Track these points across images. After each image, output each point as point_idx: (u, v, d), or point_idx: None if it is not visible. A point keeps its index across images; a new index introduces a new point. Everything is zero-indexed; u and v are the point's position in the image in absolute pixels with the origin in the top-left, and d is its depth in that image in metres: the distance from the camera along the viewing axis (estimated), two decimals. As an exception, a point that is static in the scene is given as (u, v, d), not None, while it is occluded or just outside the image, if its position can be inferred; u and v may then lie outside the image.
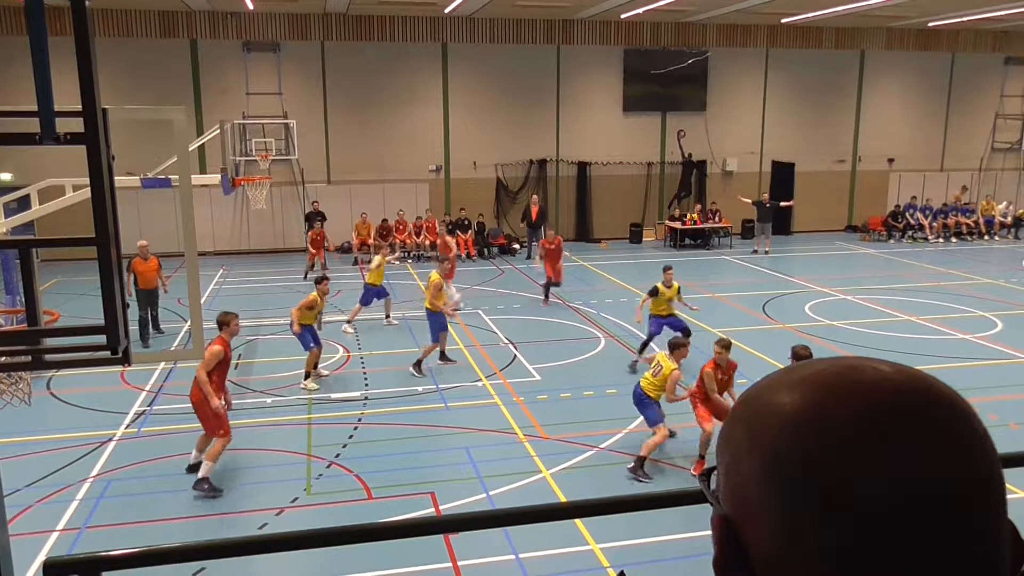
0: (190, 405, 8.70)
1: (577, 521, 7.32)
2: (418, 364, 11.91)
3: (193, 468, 8.60)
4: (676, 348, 8.95)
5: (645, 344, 12.25)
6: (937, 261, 21.41)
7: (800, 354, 8.21)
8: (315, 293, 11.90)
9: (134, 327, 13.38)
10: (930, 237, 24.93)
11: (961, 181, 27.02)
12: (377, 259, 14.72)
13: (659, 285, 12.18)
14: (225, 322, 8.90)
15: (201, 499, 8.13)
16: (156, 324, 14.21)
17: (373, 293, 14.58)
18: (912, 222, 25.14)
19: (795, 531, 0.67)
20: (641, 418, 9.17)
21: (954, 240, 24.94)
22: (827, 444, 0.67)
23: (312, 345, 11.49)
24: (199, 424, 8.63)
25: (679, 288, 12.38)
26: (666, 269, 12.45)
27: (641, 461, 8.55)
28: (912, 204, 25.45)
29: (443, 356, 12.36)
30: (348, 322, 14.52)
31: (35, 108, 3.01)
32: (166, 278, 14.30)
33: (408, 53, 22.69)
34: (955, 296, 17.02)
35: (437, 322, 12.06)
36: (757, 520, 0.70)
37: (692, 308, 12.62)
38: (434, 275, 12.33)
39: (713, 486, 0.78)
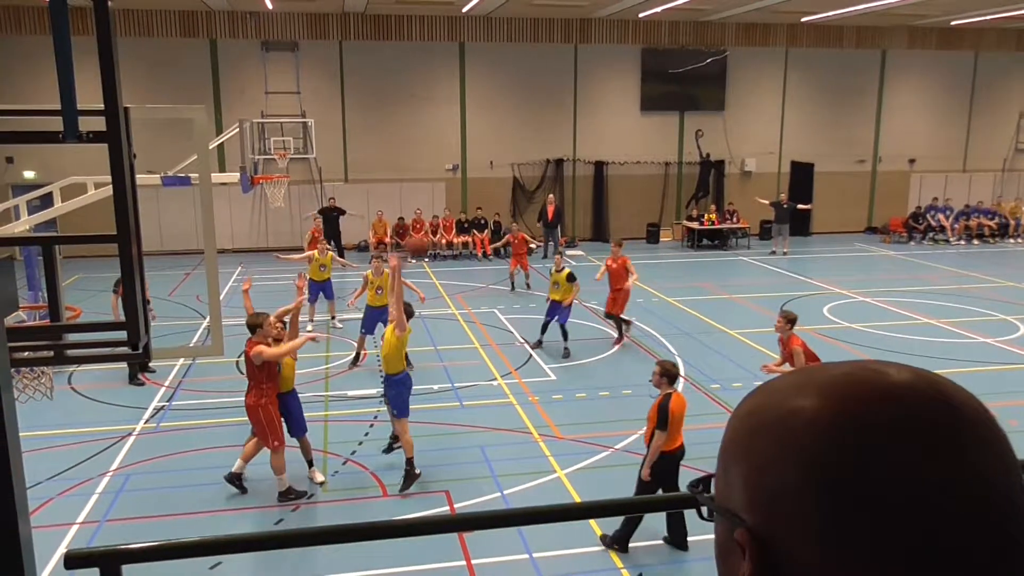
0: (243, 408, 8.18)
1: (591, 521, 7.32)
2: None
3: (236, 477, 8.14)
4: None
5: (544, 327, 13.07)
6: (958, 263, 21.18)
7: (669, 371, 7.26)
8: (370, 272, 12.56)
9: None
10: (951, 239, 24.66)
11: (984, 182, 26.71)
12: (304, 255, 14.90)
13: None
14: (259, 324, 8.18)
15: (288, 509, 7.80)
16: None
17: (318, 288, 14.33)
18: (933, 223, 24.88)
19: (843, 536, 0.67)
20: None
21: (976, 242, 24.66)
22: (870, 447, 0.68)
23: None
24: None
25: (569, 274, 12.79)
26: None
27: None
28: (933, 205, 25.18)
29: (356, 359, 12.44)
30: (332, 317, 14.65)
31: (56, 106, 3.05)
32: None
33: (425, 52, 22.75)
34: (976, 299, 16.83)
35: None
36: (796, 529, 0.69)
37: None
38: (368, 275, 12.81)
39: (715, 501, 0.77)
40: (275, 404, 8.13)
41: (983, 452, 0.69)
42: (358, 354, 12.45)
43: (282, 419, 8.22)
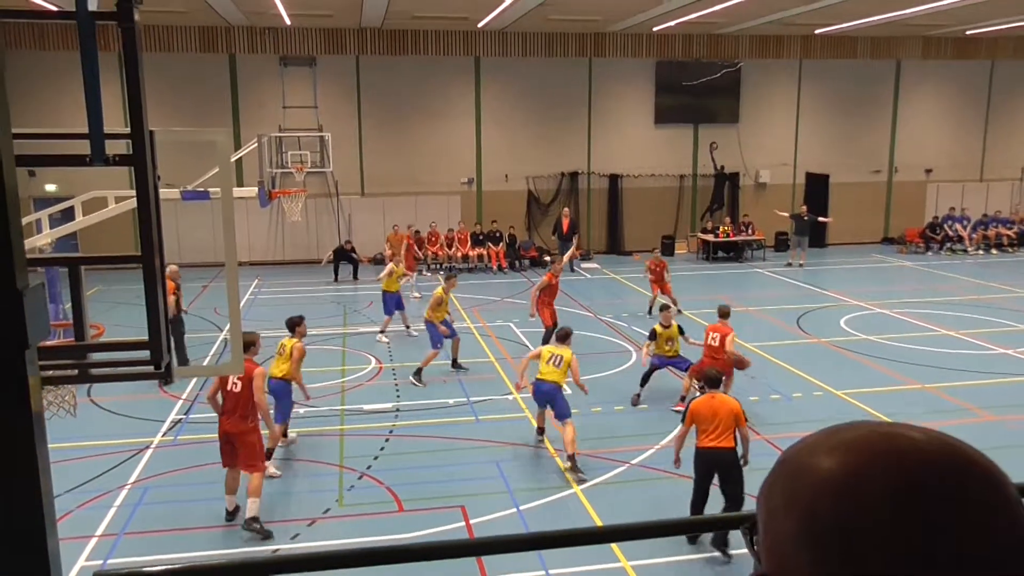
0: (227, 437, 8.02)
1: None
2: (418, 372, 12.18)
3: (232, 514, 7.97)
4: (566, 338, 9.81)
5: (645, 378, 11.44)
6: (977, 273, 21.00)
7: (712, 376, 7.99)
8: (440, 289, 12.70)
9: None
10: (969, 249, 24.46)
11: (1001, 192, 26.50)
12: (389, 266, 14.97)
13: (656, 327, 11.56)
14: (252, 342, 8.32)
15: (254, 540, 7.62)
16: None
17: (392, 302, 14.80)
18: (951, 233, 24.70)
19: None
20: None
21: (994, 252, 24.45)
22: (861, 509, 0.70)
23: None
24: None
25: (679, 328, 11.60)
26: (662, 309, 11.88)
27: (573, 458, 8.99)
28: (950, 215, 25.00)
29: (455, 363, 12.84)
30: (381, 331, 14.73)
31: (83, 129, 3.11)
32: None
33: (441, 67, 22.91)
34: (995, 309, 16.68)
35: (435, 332, 12.43)
36: None
37: (693, 343, 11.69)
38: (438, 290, 12.79)
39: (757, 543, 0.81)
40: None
41: (989, 519, 0.69)
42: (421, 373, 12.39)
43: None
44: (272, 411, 8.81)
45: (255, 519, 7.68)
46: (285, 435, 9.56)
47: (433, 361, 12.28)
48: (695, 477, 7.64)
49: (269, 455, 8.83)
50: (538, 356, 9.80)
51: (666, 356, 11.46)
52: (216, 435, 8.21)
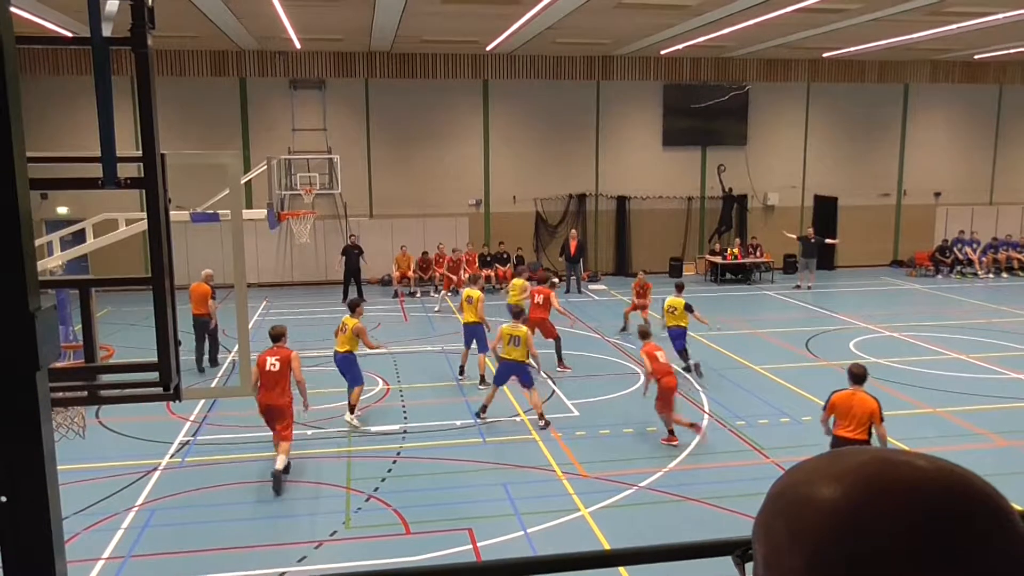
0: (268, 410, 9.48)
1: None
2: (483, 409, 11.46)
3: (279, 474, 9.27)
4: (519, 315, 11.60)
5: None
6: (987, 297, 20.88)
7: (855, 372, 8.39)
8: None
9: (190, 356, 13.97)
10: (979, 272, 24.35)
11: (1011, 215, 26.42)
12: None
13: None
14: (283, 333, 9.96)
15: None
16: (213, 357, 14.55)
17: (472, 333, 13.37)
18: (960, 257, 24.60)
19: None
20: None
21: (1005, 275, 24.33)
22: (870, 543, 0.69)
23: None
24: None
25: (687, 304, 13.51)
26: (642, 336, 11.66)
27: (543, 416, 10.98)
28: (960, 238, 24.92)
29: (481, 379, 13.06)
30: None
31: (95, 152, 3.15)
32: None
33: (450, 89, 23.09)
34: (1006, 333, 16.56)
35: (482, 335, 13.04)
36: None
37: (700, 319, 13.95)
38: (477, 292, 13.40)
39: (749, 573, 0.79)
40: None
41: (994, 552, 0.68)
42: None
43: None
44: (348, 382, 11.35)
45: (283, 470, 9.20)
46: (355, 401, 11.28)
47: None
48: None
49: (352, 409, 11.25)
50: (500, 339, 11.45)
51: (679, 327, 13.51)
52: (224, 457, 8.21)
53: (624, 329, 16.56)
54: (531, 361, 11.42)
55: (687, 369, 13.19)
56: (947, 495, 0.70)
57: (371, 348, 11.62)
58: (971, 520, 0.69)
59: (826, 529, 0.71)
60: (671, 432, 10.38)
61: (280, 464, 9.19)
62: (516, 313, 11.65)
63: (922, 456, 0.75)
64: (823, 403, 8.45)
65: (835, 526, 0.70)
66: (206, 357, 14.24)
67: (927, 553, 0.67)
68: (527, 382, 11.13)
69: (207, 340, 14.25)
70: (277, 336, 9.82)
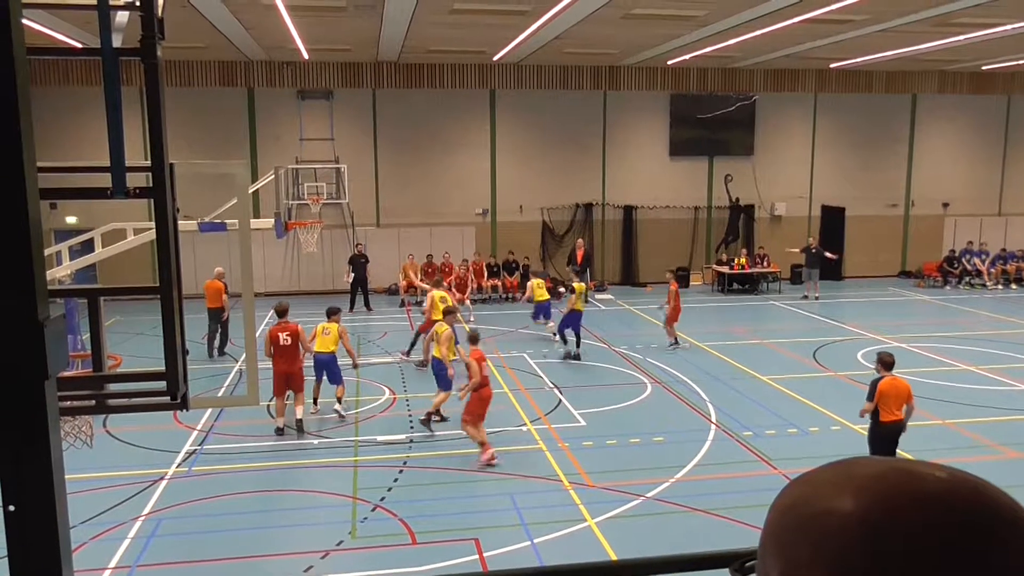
0: (288, 376, 11.25)
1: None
2: (429, 416, 11.36)
3: (281, 431, 11.07)
4: (335, 314, 12.39)
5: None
6: (996, 308, 20.77)
7: (886, 360, 8.92)
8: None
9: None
10: (988, 283, 24.23)
11: (1020, 226, 26.31)
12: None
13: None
14: (285, 309, 11.78)
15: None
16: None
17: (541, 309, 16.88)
18: (969, 268, 24.49)
19: None
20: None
21: (1013, 286, 24.20)
22: (897, 557, 0.67)
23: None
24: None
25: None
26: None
27: (430, 416, 11.29)
28: (968, 249, 24.82)
29: (437, 413, 11.60)
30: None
31: (104, 162, 3.16)
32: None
33: (457, 99, 23.18)
34: (1016, 345, 16.46)
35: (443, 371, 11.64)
36: None
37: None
38: (444, 327, 11.94)
39: None
40: None
41: (1008, 562, 0.67)
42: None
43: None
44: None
45: (300, 420, 11.21)
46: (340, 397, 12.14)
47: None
48: (879, 452, 8.50)
49: (339, 400, 12.15)
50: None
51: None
52: (230, 466, 8.20)
53: (676, 343, 16.14)
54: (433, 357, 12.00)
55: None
56: (975, 507, 0.69)
57: (350, 351, 12.35)
58: (997, 530, 0.68)
59: (850, 542, 0.69)
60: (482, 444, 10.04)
61: (300, 413, 11.22)
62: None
63: (939, 466, 0.73)
64: (868, 391, 8.87)
65: (860, 539, 0.69)
66: (217, 341, 15.72)
67: (959, 563, 0.66)
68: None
69: (219, 329, 15.67)
70: (283, 311, 11.57)
